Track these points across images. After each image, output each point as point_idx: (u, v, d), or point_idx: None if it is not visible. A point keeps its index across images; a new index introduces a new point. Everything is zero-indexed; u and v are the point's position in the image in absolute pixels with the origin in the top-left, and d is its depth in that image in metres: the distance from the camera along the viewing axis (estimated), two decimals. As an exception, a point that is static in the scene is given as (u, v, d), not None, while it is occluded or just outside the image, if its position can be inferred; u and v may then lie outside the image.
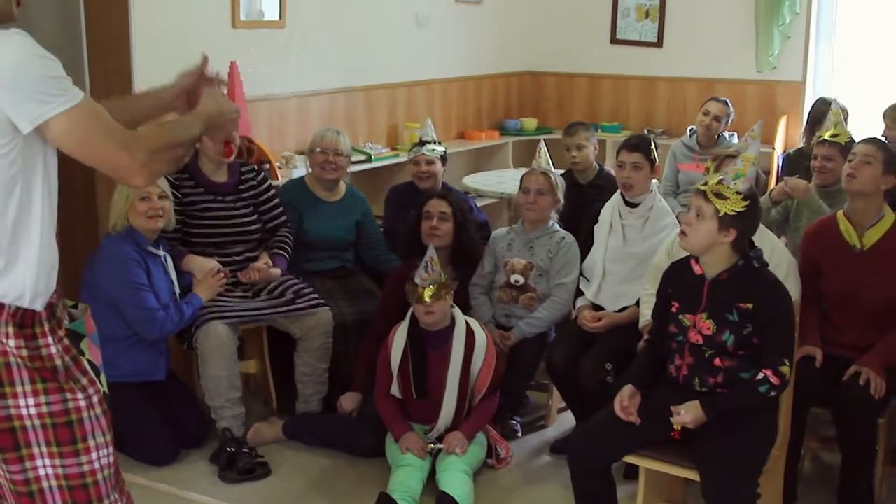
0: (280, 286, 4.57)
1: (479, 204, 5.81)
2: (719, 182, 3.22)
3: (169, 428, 4.24)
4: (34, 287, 2.23)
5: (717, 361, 3.24)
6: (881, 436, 3.76)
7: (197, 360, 4.37)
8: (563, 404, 4.63)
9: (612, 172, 5.19)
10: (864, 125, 6.36)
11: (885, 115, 5.49)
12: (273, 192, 4.82)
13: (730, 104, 6.25)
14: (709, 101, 6.24)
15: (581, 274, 4.53)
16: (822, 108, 5.91)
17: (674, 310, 3.35)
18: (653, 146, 4.40)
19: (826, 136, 4.54)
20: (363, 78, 6.88)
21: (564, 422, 4.68)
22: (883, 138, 4.62)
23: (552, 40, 8.66)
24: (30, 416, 2.23)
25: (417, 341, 4.16)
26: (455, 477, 3.87)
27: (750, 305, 3.18)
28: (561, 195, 4.62)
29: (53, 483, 2.28)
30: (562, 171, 4.90)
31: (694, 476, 3.22)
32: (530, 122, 8.51)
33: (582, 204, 4.94)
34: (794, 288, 3.66)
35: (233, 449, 4.16)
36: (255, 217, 4.68)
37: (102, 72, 5.11)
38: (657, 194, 4.45)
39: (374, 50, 6.94)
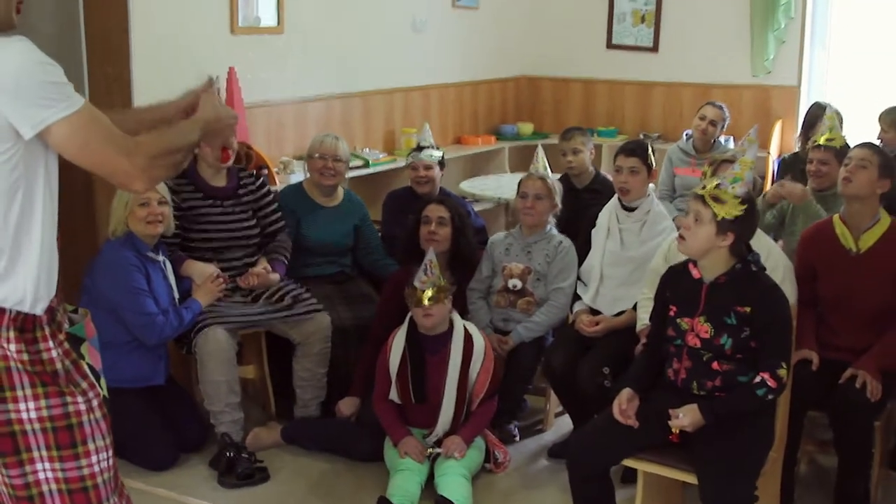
0: (279, 291, 4.58)
1: (476, 209, 5.82)
2: (717, 186, 3.24)
3: (168, 433, 4.25)
4: (35, 291, 2.25)
5: (714, 365, 3.26)
6: (877, 438, 3.77)
7: (196, 365, 4.38)
8: (561, 408, 4.64)
9: (609, 177, 5.21)
10: (859, 129, 6.37)
11: (880, 119, 5.51)
12: (272, 197, 4.83)
13: (725, 109, 6.27)
14: (705, 106, 6.26)
15: (578, 278, 4.54)
16: (817, 113, 5.94)
17: (672, 313, 3.36)
18: (650, 151, 4.43)
19: (821, 141, 4.56)
20: (360, 83, 6.90)
21: (562, 426, 4.69)
22: (878, 142, 4.66)
23: (548, 45, 8.68)
24: (30, 420, 2.25)
25: (416, 346, 4.17)
26: (454, 481, 3.88)
27: (748, 309, 3.20)
28: (558, 200, 4.63)
29: (53, 487, 2.29)
30: (558, 176, 4.92)
31: (692, 479, 3.24)
32: (526, 127, 8.52)
33: (578, 208, 4.95)
34: (790, 291, 3.67)
35: (232, 454, 4.16)
36: (254, 222, 4.69)
37: (102, 78, 5.12)
38: (654, 199, 4.47)
39: (372, 55, 6.95)
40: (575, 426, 4.38)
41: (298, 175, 5.63)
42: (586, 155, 5.40)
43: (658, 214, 4.42)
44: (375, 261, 5.14)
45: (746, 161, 3.35)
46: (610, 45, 8.47)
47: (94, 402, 2.33)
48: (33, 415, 2.25)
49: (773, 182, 6.56)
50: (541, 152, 4.78)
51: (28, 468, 2.28)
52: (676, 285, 3.40)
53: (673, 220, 4.47)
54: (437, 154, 5.29)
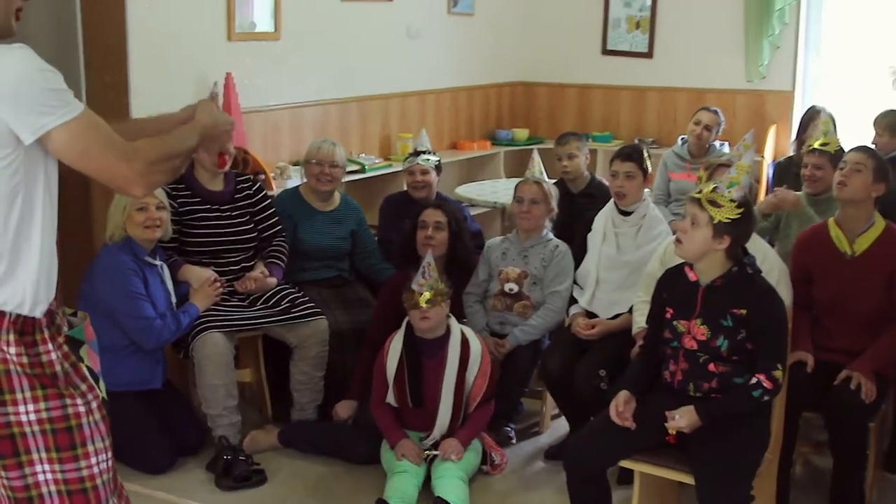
0: (276, 295, 4.59)
1: (472, 213, 5.84)
2: (714, 190, 3.26)
3: (166, 436, 4.26)
4: (34, 295, 2.26)
5: (711, 367, 3.28)
6: (872, 440, 3.79)
7: (193, 368, 4.39)
8: (557, 411, 4.65)
9: (604, 181, 5.23)
10: (853, 134, 6.40)
11: (875, 123, 5.54)
12: (269, 201, 4.84)
13: (720, 114, 6.29)
14: (700, 111, 6.28)
15: (575, 282, 4.56)
16: (813, 117, 5.96)
17: (668, 316, 3.38)
18: (646, 155, 4.45)
19: (816, 145, 4.57)
20: (356, 89, 6.92)
21: (558, 428, 4.71)
22: (872, 146, 4.68)
23: (543, 51, 8.71)
24: (29, 422, 2.26)
25: (413, 350, 4.18)
26: (451, 483, 3.89)
27: (744, 311, 3.22)
28: (554, 204, 4.65)
29: (52, 488, 2.30)
30: (554, 181, 4.94)
31: (689, 480, 3.25)
32: (522, 133, 8.54)
33: (574, 213, 4.96)
34: (785, 294, 3.69)
35: (229, 457, 4.17)
36: (251, 226, 4.70)
37: (100, 85, 5.12)
38: (650, 203, 4.50)
39: (368, 61, 6.97)
40: (571, 429, 4.40)
41: (295, 180, 5.65)
42: (582, 160, 5.41)
43: (654, 219, 4.44)
44: (372, 265, 5.15)
45: (743, 165, 3.37)
46: (605, 51, 8.51)
47: (94, 405, 2.34)
48: (32, 417, 2.26)
49: (767, 186, 6.60)
50: (537, 157, 4.80)
51: (27, 470, 2.28)
52: (673, 288, 3.42)
53: (669, 223, 4.50)
54: (434, 159, 5.30)
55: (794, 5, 7.60)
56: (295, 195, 5.07)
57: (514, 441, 4.56)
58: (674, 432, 3.27)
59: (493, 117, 8.64)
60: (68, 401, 2.29)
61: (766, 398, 3.22)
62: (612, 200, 4.48)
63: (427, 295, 4.08)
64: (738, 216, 3.23)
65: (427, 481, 4.00)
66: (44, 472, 2.29)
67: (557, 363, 4.28)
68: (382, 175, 6.75)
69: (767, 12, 7.57)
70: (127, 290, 4.14)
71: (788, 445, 3.72)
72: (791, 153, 6.39)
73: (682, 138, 6.44)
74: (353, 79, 6.86)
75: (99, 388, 2.38)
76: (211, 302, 4.42)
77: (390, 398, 4.19)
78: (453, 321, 4.24)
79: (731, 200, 3.24)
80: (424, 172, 5.22)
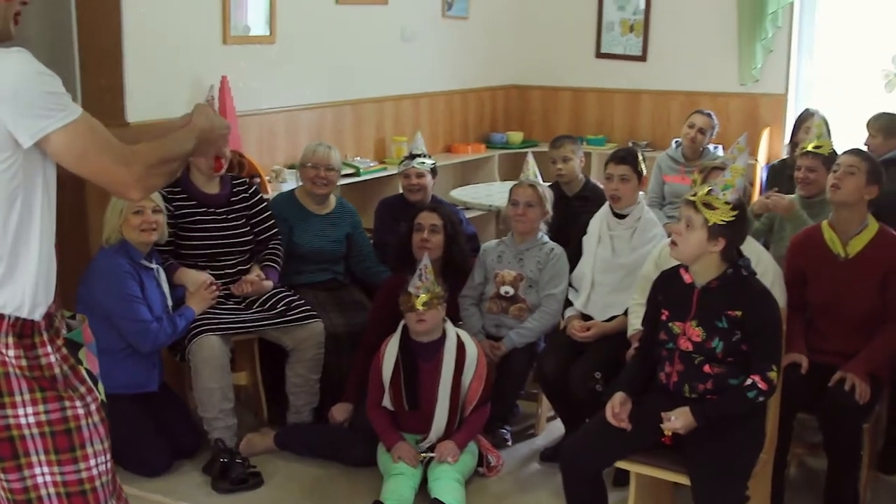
0: (272, 298, 4.60)
1: (467, 216, 5.85)
2: (709, 192, 3.28)
3: (162, 439, 4.26)
4: (33, 297, 2.27)
5: (706, 368, 3.29)
6: (866, 441, 3.80)
7: (189, 371, 4.40)
8: (553, 413, 4.67)
9: (599, 184, 5.25)
10: (846, 137, 6.42)
11: (868, 125, 5.56)
12: (264, 204, 4.84)
13: (714, 117, 6.30)
14: (694, 114, 6.29)
15: (570, 284, 4.57)
16: (806, 119, 5.98)
17: (664, 317, 3.40)
18: (640, 158, 4.47)
19: (809, 148, 4.60)
20: (351, 92, 6.93)
21: (553, 430, 4.72)
22: (865, 148, 4.69)
23: (538, 54, 8.72)
24: (28, 425, 2.26)
25: (409, 353, 4.19)
26: (447, 484, 3.90)
27: (739, 313, 3.24)
28: (549, 207, 4.67)
29: (52, 490, 2.31)
30: (548, 184, 4.96)
31: (684, 480, 3.27)
32: (516, 136, 8.56)
33: (569, 215, 4.98)
34: (779, 296, 3.70)
35: (226, 459, 4.18)
36: (247, 229, 4.71)
37: (95, 88, 5.12)
38: (645, 206, 4.51)
39: (362, 65, 6.98)
40: (567, 431, 4.41)
41: (290, 183, 5.66)
42: (576, 163, 5.43)
43: (648, 221, 4.45)
44: (367, 268, 5.16)
45: (738, 168, 3.39)
46: (599, 55, 8.52)
47: (93, 407, 2.35)
48: (31, 420, 2.27)
49: (760, 188, 6.61)
50: (531, 160, 4.82)
51: (27, 472, 2.29)
52: (668, 290, 3.43)
53: (663, 226, 4.51)
54: (430, 162, 5.32)
55: (787, 9, 7.62)
56: (290, 198, 5.08)
57: (509, 443, 4.57)
58: (669, 433, 3.28)
59: (488, 120, 8.66)
60: (67, 403, 2.30)
61: (760, 399, 3.23)
62: (606, 203, 4.50)
63: (424, 297, 4.09)
64: (733, 218, 3.25)
65: (423, 483, 4.01)
66: (43, 474, 2.30)
67: (553, 365, 4.30)
68: (377, 178, 6.76)
69: (760, 16, 7.60)
70: (123, 293, 4.15)
71: (783, 446, 3.74)
72: (785, 156, 6.41)
73: (676, 141, 6.45)
74: (347, 82, 6.87)
75: (98, 390, 2.39)
76: (207, 305, 4.42)
77: (386, 401, 4.20)
78: (449, 324, 4.25)
79: (726, 203, 3.26)
80: (420, 175, 5.23)
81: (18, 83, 2.14)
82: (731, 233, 3.26)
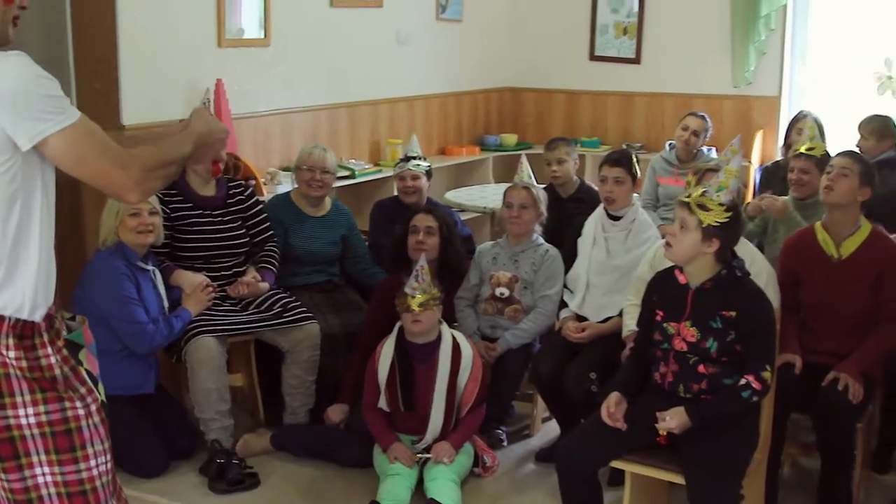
0: (268, 300, 4.61)
1: (461, 218, 5.86)
2: (703, 194, 3.30)
3: (159, 440, 4.27)
4: (33, 299, 2.28)
5: (701, 368, 3.31)
6: (859, 440, 3.81)
7: (186, 373, 4.41)
8: (548, 414, 4.68)
9: (593, 186, 5.26)
10: (839, 139, 6.45)
11: (860, 127, 5.58)
12: (260, 206, 4.86)
13: (708, 119, 6.32)
14: (687, 117, 6.30)
15: (565, 286, 4.59)
16: (799, 121, 6.00)
17: (658, 318, 3.42)
18: (634, 160, 4.48)
19: (802, 150, 4.62)
20: (346, 95, 6.94)
21: (549, 431, 4.73)
22: (857, 150, 4.72)
23: (532, 57, 8.73)
24: (29, 425, 2.27)
25: (404, 355, 4.20)
26: (443, 485, 3.92)
27: (733, 313, 3.26)
28: (544, 209, 4.68)
29: (52, 490, 2.32)
30: (543, 186, 4.97)
31: (679, 479, 3.29)
32: (510, 138, 8.56)
33: (563, 217, 5.00)
34: (773, 297, 3.72)
35: (222, 460, 4.19)
36: (243, 231, 4.72)
37: (90, 92, 5.12)
38: (639, 208, 4.53)
39: (357, 67, 6.99)
40: (562, 431, 4.42)
41: (285, 186, 5.67)
42: (570, 165, 5.44)
43: (643, 223, 4.47)
44: (363, 270, 5.17)
45: (731, 170, 3.41)
46: (593, 57, 8.53)
47: (93, 407, 2.36)
48: (32, 420, 2.28)
49: (754, 190, 6.63)
50: (525, 162, 4.82)
51: (27, 472, 2.30)
52: (663, 290, 3.45)
53: (658, 228, 4.53)
54: (425, 164, 5.33)
55: (780, 12, 7.63)
56: (286, 201, 5.09)
57: (505, 444, 4.59)
58: (664, 433, 3.30)
59: (482, 123, 8.67)
60: (67, 404, 2.31)
61: (754, 399, 3.26)
62: (601, 205, 4.52)
63: (420, 298, 4.10)
64: (727, 220, 3.27)
65: (419, 484, 4.02)
66: (43, 474, 2.31)
67: (548, 366, 4.31)
68: (372, 180, 6.77)
69: (754, 18, 7.61)
70: (119, 295, 4.16)
71: (777, 446, 3.75)
72: (778, 158, 6.43)
73: (670, 143, 6.47)
74: (342, 84, 6.88)
75: (98, 391, 2.41)
76: (203, 307, 4.44)
77: (382, 402, 4.21)
78: (444, 326, 4.27)
79: (720, 204, 3.28)
80: (415, 178, 5.25)
81: (17, 86, 2.15)
82: (725, 234, 3.28)
